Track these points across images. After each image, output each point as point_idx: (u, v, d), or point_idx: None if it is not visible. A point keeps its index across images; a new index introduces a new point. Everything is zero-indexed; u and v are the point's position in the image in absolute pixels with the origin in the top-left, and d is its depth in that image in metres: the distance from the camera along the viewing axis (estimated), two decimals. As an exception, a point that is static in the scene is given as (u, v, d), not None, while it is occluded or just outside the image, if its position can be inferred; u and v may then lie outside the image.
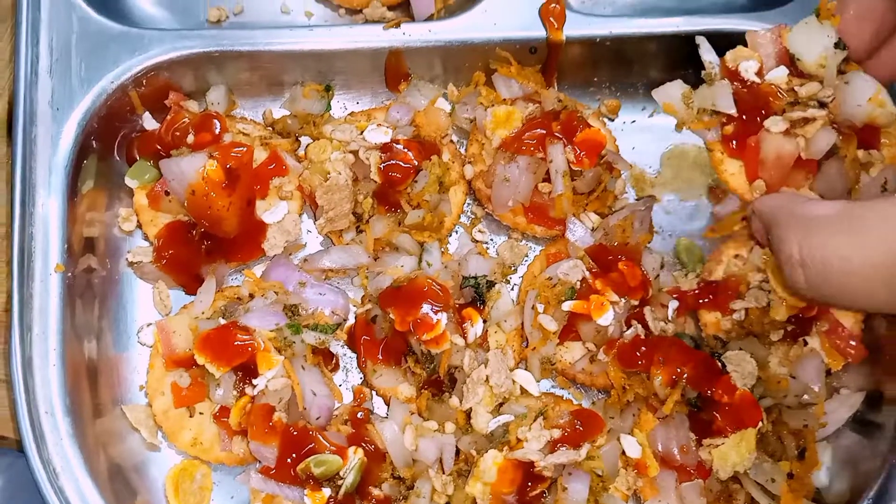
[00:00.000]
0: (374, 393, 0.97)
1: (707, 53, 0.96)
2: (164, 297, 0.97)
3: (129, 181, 0.98)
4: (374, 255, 0.99)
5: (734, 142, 0.94)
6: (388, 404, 0.94)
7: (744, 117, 0.92)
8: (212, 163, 0.92)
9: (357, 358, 0.98)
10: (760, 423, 0.88)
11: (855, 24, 0.86)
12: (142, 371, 0.95)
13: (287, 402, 0.87)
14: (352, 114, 1.06)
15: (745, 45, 0.95)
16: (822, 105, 0.89)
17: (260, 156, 1.00)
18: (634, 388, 0.94)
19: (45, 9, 0.96)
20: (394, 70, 1.05)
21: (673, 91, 0.97)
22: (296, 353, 0.89)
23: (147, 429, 0.91)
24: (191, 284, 0.97)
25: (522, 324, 0.97)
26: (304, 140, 1.03)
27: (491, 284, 0.95)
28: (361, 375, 0.98)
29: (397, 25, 1.02)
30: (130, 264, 0.98)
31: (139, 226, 0.99)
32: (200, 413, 0.91)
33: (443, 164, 0.98)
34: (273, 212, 0.99)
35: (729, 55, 0.93)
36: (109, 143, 0.99)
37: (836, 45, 0.88)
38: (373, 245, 0.98)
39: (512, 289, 1.02)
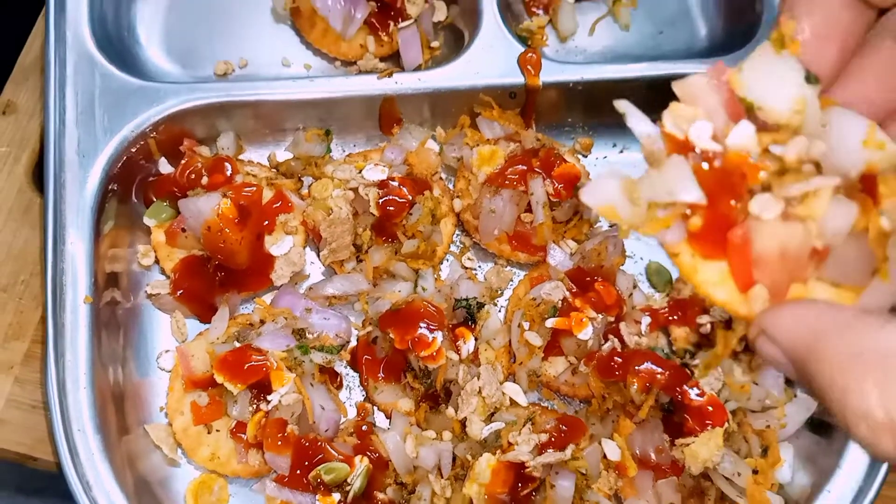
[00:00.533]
0: (375, 408, 1.05)
1: (638, 123, 0.63)
2: (181, 325, 1.06)
3: (147, 220, 1.08)
4: (373, 282, 1.08)
5: (707, 240, 0.62)
6: (389, 417, 1.03)
7: (714, 205, 0.62)
8: (226, 201, 1.01)
9: (360, 376, 1.07)
10: (727, 424, 0.98)
11: (815, 46, 0.65)
12: (162, 393, 1.03)
13: (298, 417, 0.95)
14: (350, 155, 1.17)
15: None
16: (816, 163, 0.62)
17: (266, 195, 1.09)
18: (613, 396, 1.03)
19: (71, 66, 1.07)
20: (387, 115, 1.17)
21: (607, 188, 0.61)
22: (305, 372, 0.98)
23: (168, 446, 0.99)
24: (205, 313, 1.06)
25: (510, 341, 1.07)
26: (307, 180, 1.14)
27: (481, 305, 1.05)
28: (364, 393, 1.07)
29: (390, 75, 1.13)
30: (149, 296, 1.07)
31: (157, 261, 1.08)
32: (217, 430, 0.99)
33: (434, 198, 1.09)
34: (280, 245, 1.08)
35: (666, 118, 0.62)
36: (129, 187, 1.09)
37: (808, 79, 0.63)
38: (372, 273, 1.08)
39: (499, 310, 1.12)
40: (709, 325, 1.07)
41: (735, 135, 0.61)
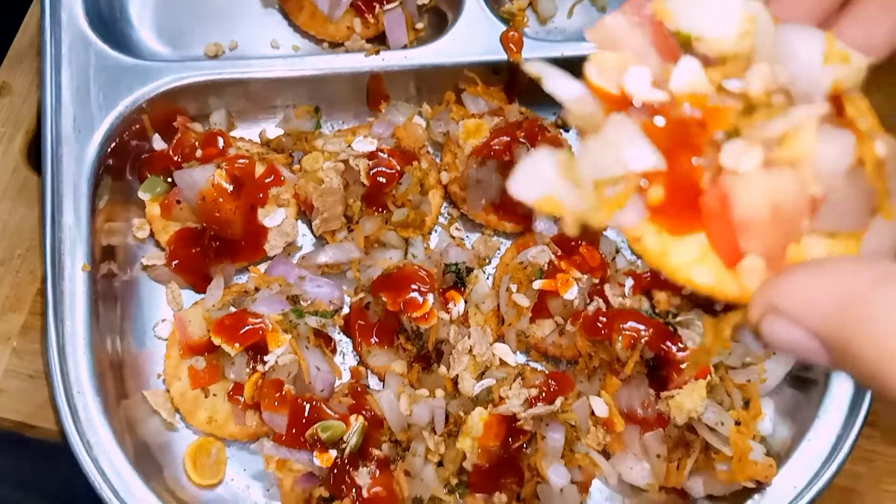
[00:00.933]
0: (369, 372, 1.08)
1: (558, 84, 0.50)
2: (176, 295, 1.08)
3: (141, 195, 1.10)
4: (364, 251, 1.11)
5: (674, 213, 0.49)
6: (382, 380, 1.06)
7: (675, 168, 0.49)
8: (220, 172, 1.04)
9: (353, 342, 1.09)
10: (709, 377, 1.02)
11: None
12: (159, 361, 1.05)
13: (294, 377, 0.98)
14: (339, 131, 1.20)
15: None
16: (787, 92, 0.51)
17: (258, 170, 1.12)
18: (599, 355, 1.06)
19: (66, 45, 1.09)
20: (375, 92, 1.20)
21: (541, 173, 0.48)
22: (300, 335, 1.00)
23: (166, 411, 1.01)
24: (200, 283, 1.08)
25: (498, 305, 1.10)
26: (297, 155, 1.17)
27: (469, 270, 1.08)
28: (357, 357, 1.09)
29: (377, 53, 1.17)
30: (145, 268, 1.09)
31: (152, 234, 1.11)
32: (214, 395, 1.01)
33: (423, 168, 1.12)
34: (272, 217, 1.11)
35: (590, 70, 0.50)
36: (123, 163, 1.11)
37: None
38: (363, 242, 1.11)
39: (488, 278, 1.15)
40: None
41: (678, 75, 0.48)
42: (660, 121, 0.48)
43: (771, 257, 0.48)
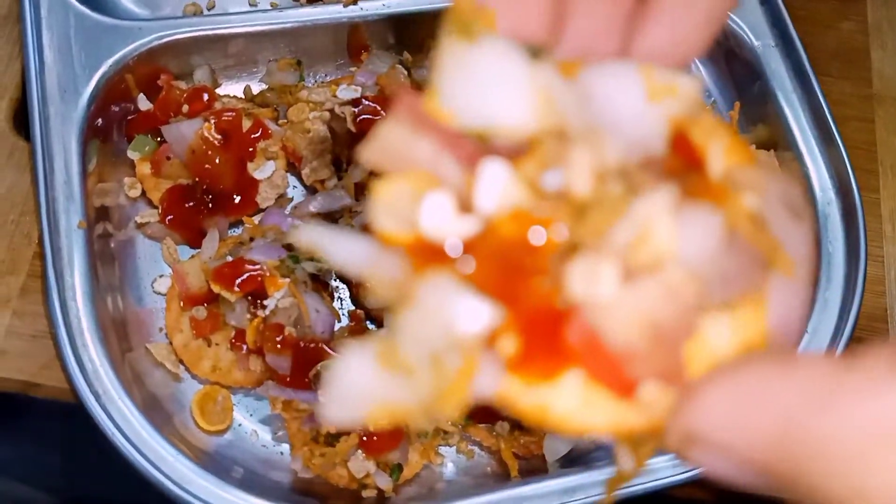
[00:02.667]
0: (367, 315, 1.10)
1: (339, 251, 0.40)
2: (172, 251, 1.09)
3: (131, 154, 1.11)
4: (355, 198, 1.13)
5: (537, 358, 0.38)
6: (380, 324, 1.08)
7: (519, 309, 0.39)
8: (208, 125, 1.05)
9: (349, 287, 1.11)
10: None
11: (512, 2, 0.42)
12: (160, 316, 1.06)
13: (295, 320, 0.99)
14: (322, 83, 1.21)
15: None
16: (623, 176, 0.40)
17: (245, 124, 1.13)
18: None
19: (45, 9, 1.09)
20: (355, 43, 1.21)
21: (357, 380, 0.37)
22: (298, 280, 1.02)
23: (170, 362, 1.02)
24: (195, 238, 1.09)
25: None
26: (283, 110, 1.18)
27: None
28: (354, 302, 1.11)
29: (354, 2, 1.18)
30: (139, 226, 1.10)
31: (144, 193, 1.12)
32: (217, 344, 1.03)
33: (408, 111, 1.14)
34: (262, 170, 1.12)
35: (376, 213, 0.39)
36: (110, 124, 1.12)
37: (533, 55, 0.39)
38: (353, 189, 1.12)
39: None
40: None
41: (484, 191, 0.38)
42: (479, 259, 0.37)
43: (669, 374, 0.39)
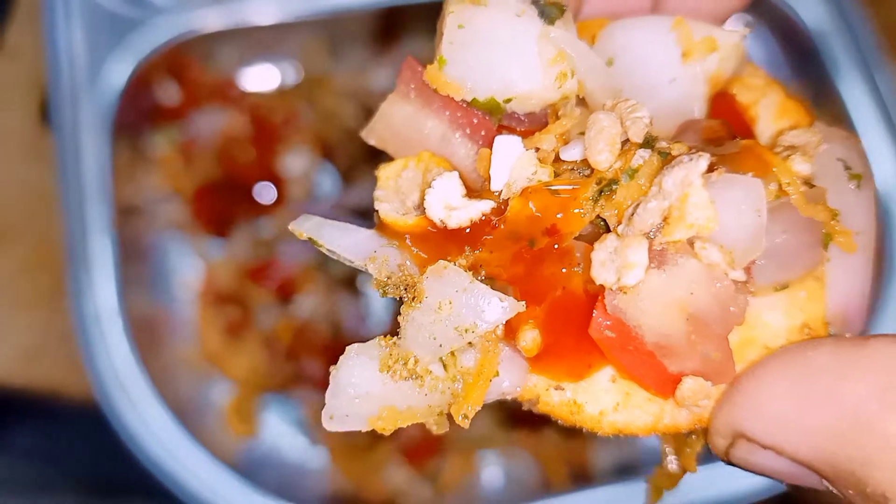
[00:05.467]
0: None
1: (337, 241, 0.39)
2: (200, 248, 1.06)
3: (158, 147, 1.08)
4: (389, 191, 1.08)
5: (559, 357, 0.36)
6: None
7: (538, 299, 0.35)
8: (235, 117, 1.01)
9: (384, 285, 1.07)
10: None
11: None
12: (189, 314, 1.03)
13: (326, 320, 0.95)
14: (353, 72, 1.17)
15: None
16: (650, 145, 0.35)
17: (275, 116, 1.09)
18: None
19: (73, 1, 1.06)
20: (388, 30, 1.16)
21: (359, 386, 0.37)
22: (329, 278, 0.98)
23: (200, 363, 0.99)
24: (224, 234, 1.06)
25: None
26: (313, 100, 1.14)
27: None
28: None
29: (388, -13, 1.13)
30: (167, 222, 1.07)
31: (171, 187, 1.08)
32: (248, 344, 0.99)
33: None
34: (291, 162, 1.08)
35: (382, 207, 0.38)
36: (137, 117, 1.09)
37: (545, 16, 0.36)
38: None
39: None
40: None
41: (499, 167, 0.34)
42: (495, 242, 0.33)
43: (713, 368, 0.34)
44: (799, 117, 0.39)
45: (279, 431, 1.00)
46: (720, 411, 0.35)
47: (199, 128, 1.02)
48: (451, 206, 0.34)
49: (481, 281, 0.33)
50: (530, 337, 0.35)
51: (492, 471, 1.00)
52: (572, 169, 0.34)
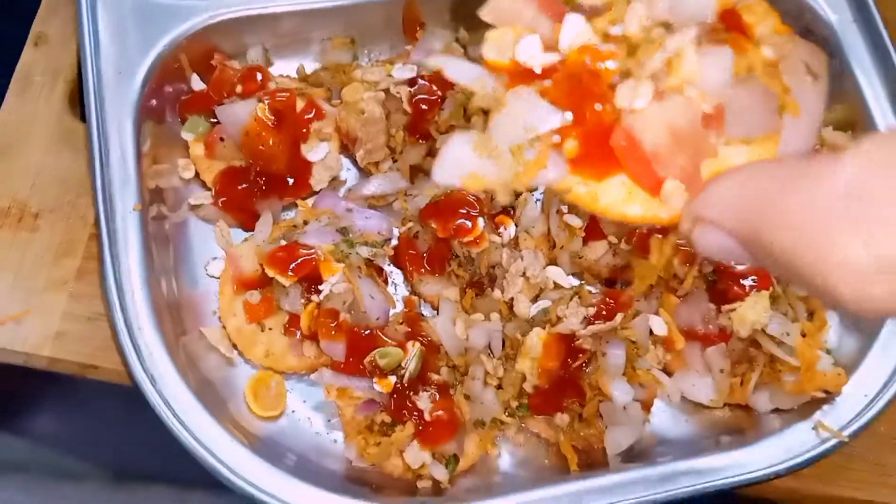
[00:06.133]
0: (421, 301, 1.07)
1: (457, 72, 0.58)
2: (225, 233, 1.08)
3: (184, 135, 1.10)
4: (410, 180, 1.10)
5: (591, 161, 0.54)
6: (436, 309, 1.05)
7: (581, 118, 0.53)
8: (262, 106, 1.03)
9: (403, 272, 1.08)
10: (771, 288, 0.99)
11: None
12: (213, 299, 1.05)
13: (349, 306, 0.97)
14: (376, 62, 1.18)
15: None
16: (666, 26, 0.54)
17: (298, 105, 1.11)
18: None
19: (102, -9, 1.08)
20: (410, 19, 1.17)
21: (458, 154, 0.54)
22: (352, 265, 0.99)
23: (224, 347, 1.01)
24: (248, 221, 1.08)
25: (549, 229, 1.08)
26: (336, 89, 1.15)
27: (518, 193, 1.06)
28: (409, 287, 1.09)
29: (410, -21, 1.14)
30: (192, 207, 1.09)
31: (197, 175, 1.10)
32: (270, 329, 1.01)
33: (465, 91, 1.10)
34: (315, 151, 1.10)
35: (487, 50, 0.56)
36: (164, 104, 1.11)
37: None
38: (408, 172, 1.09)
39: (536, 202, 1.13)
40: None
41: (566, 34, 0.53)
42: (556, 82, 0.53)
43: (687, 177, 0.52)
44: (785, 34, 0.56)
45: (300, 413, 1.02)
46: (687, 205, 0.51)
47: (225, 116, 1.04)
48: (532, 55, 0.53)
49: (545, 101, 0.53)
50: (571, 145, 0.52)
51: (507, 456, 1.02)
52: (614, 38, 0.54)
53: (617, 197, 0.53)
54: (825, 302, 0.55)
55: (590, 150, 0.52)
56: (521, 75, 0.54)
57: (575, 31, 0.53)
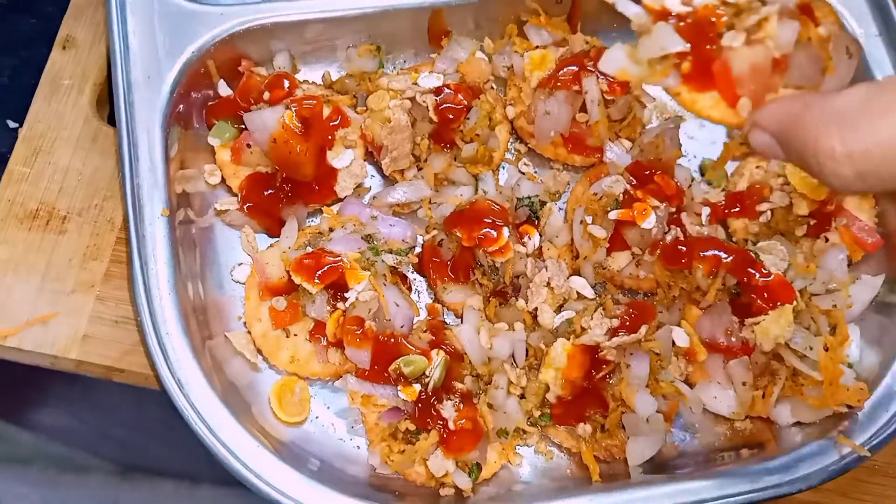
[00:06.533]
0: (445, 309, 1.08)
1: (627, 6, 0.86)
2: (250, 239, 1.08)
3: (211, 140, 1.10)
4: (434, 189, 1.10)
5: (697, 77, 0.84)
6: (459, 317, 1.06)
7: (696, 50, 0.83)
8: (289, 113, 1.04)
9: (427, 280, 1.09)
10: (795, 302, 0.99)
11: None
12: (238, 304, 1.06)
13: (374, 314, 0.98)
14: (401, 70, 1.18)
15: None
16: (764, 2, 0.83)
17: (324, 112, 1.11)
18: (678, 284, 1.05)
19: (132, -3, 1.09)
20: (436, 28, 1.18)
21: (616, 56, 0.83)
22: (377, 273, 1.00)
23: (248, 352, 1.02)
24: (274, 227, 1.08)
25: (572, 239, 1.09)
26: (361, 97, 1.16)
27: (543, 203, 1.07)
28: (432, 295, 1.09)
29: (436, -13, 1.15)
30: (218, 213, 1.09)
31: (223, 181, 1.11)
32: (295, 335, 1.02)
33: (490, 100, 1.10)
34: (341, 158, 1.10)
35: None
36: (191, 110, 1.11)
37: None
38: (433, 180, 1.10)
39: (559, 211, 1.14)
40: (769, 213, 1.09)
41: None
42: (685, 24, 0.82)
43: (755, 98, 0.83)
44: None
45: (323, 419, 1.03)
46: (750, 114, 0.79)
47: (253, 123, 1.04)
48: (675, 4, 0.83)
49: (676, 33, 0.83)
50: (686, 64, 0.83)
51: (528, 465, 1.02)
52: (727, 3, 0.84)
53: (707, 104, 0.87)
54: (821, 180, 0.70)
55: (698, 69, 0.82)
56: (663, 15, 0.83)
57: None
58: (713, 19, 0.82)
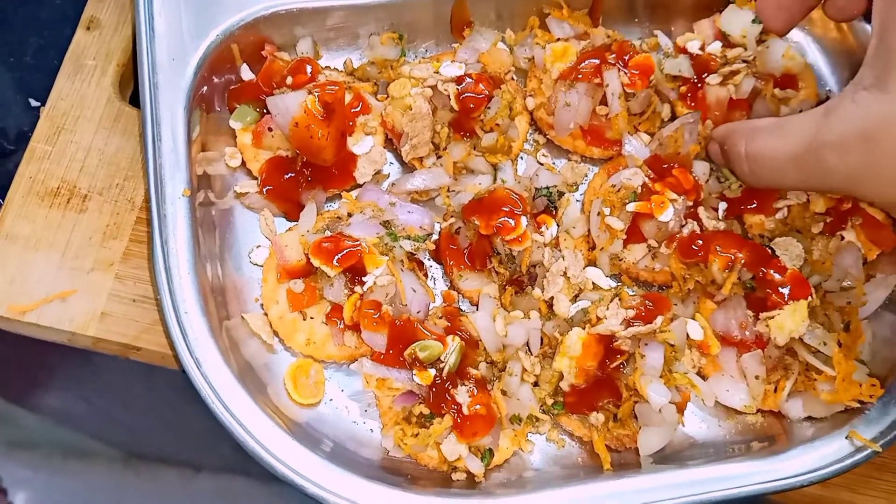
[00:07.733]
0: (461, 296, 1.09)
1: (663, 39, 1.21)
2: (269, 222, 1.09)
3: (233, 123, 1.11)
4: (453, 177, 1.11)
5: (689, 97, 1.16)
6: (475, 305, 1.06)
7: (694, 79, 1.15)
8: (312, 98, 1.04)
9: (444, 267, 1.10)
10: (810, 298, 1.00)
11: (772, 11, 1.05)
12: (256, 286, 1.07)
13: (391, 298, 0.99)
14: (422, 60, 1.19)
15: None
16: (745, 62, 1.14)
17: (345, 95, 1.12)
18: (694, 278, 1.05)
19: (156, -23, 1.10)
20: (458, 18, 1.19)
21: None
22: (395, 258, 1.01)
23: (265, 333, 1.03)
24: (293, 210, 1.09)
25: (589, 230, 1.09)
26: (382, 84, 1.17)
27: (561, 193, 1.08)
28: (448, 283, 1.10)
29: (460, -23, 1.15)
30: (238, 195, 1.10)
31: (243, 164, 1.12)
32: (311, 318, 1.03)
33: (511, 91, 1.11)
34: (361, 145, 1.11)
35: (679, 39, 1.20)
36: (213, 93, 1.12)
37: (753, 21, 1.14)
38: (452, 168, 1.11)
39: (577, 202, 1.14)
40: (786, 209, 1.09)
41: (711, 46, 1.17)
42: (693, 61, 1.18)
43: (716, 121, 1.15)
44: None
45: (337, 402, 1.03)
46: (710, 131, 1.11)
47: (275, 106, 1.05)
48: (694, 48, 1.19)
49: None
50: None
51: (539, 452, 1.03)
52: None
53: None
54: (736, 176, 1.03)
55: (692, 94, 1.17)
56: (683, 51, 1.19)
57: (712, 46, 1.18)
58: (711, 63, 1.16)
